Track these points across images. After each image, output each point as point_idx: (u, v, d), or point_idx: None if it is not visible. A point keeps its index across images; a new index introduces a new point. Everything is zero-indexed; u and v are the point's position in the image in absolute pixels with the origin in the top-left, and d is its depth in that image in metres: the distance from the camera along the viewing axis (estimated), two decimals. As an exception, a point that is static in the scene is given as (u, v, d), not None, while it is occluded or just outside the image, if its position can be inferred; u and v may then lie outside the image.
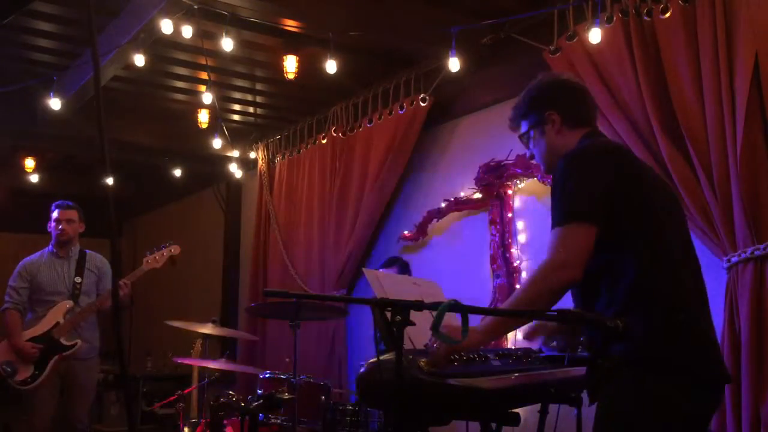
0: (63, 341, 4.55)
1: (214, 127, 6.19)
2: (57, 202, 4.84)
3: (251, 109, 6.65)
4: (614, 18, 3.78)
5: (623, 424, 1.98)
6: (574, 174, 2.08)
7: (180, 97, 6.27)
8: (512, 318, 2.12)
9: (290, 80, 5.22)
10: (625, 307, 1.97)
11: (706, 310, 2.12)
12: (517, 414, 2.27)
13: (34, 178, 7.97)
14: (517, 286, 4.52)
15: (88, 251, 4.88)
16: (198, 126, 6.46)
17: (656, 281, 2.01)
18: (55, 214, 4.78)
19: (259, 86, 6.10)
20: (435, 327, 1.78)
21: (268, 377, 4.28)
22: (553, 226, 2.06)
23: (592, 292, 2.06)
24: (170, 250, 4.83)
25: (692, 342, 2.00)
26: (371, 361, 2.20)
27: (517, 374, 2.30)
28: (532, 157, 2.39)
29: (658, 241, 2.05)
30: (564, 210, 2.04)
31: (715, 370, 2.05)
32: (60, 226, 4.75)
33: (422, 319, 1.95)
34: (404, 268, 4.64)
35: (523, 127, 2.36)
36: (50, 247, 4.83)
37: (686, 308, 2.04)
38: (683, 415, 1.97)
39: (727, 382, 2.08)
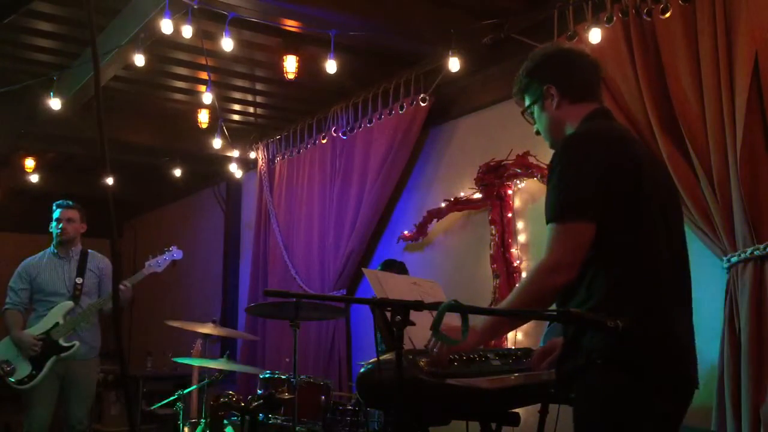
0: (61, 342, 4.55)
1: (214, 127, 6.20)
2: (58, 202, 4.83)
3: (251, 109, 6.65)
4: (614, 18, 3.78)
5: (597, 423, 1.96)
6: (570, 165, 2.00)
7: (180, 97, 6.27)
8: (511, 318, 2.10)
9: (290, 80, 5.22)
10: (601, 305, 1.92)
11: (686, 314, 2.07)
12: (517, 414, 2.28)
13: (34, 178, 7.97)
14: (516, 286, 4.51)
15: (90, 251, 4.86)
16: (198, 126, 6.46)
17: (636, 283, 1.96)
18: (56, 214, 4.77)
19: (259, 86, 6.10)
20: (435, 327, 1.78)
21: (268, 377, 4.28)
22: (548, 220, 2.01)
23: (571, 286, 1.99)
24: (173, 255, 4.83)
25: (665, 345, 1.97)
26: (371, 361, 2.20)
27: (517, 374, 2.30)
28: (538, 132, 2.31)
29: (646, 242, 1.99)
30: (560, 205, 1.98)
31: (683, 374, 2.01)
32: (60, 225, 4.73)
33: (422, 319, 1.95)
34: (401, 271, 4.63)
35: (527, 102, 2.30)
36: (51, 247, 4.82)
37: (663, 312, 1.98)
38: (654, 414, 1.94)
39: (695, 387, 2.05)
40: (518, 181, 4.66)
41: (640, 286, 1.97)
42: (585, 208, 1.95)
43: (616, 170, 1.98)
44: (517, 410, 2.30)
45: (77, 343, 4.59)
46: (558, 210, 1.98)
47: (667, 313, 1.99)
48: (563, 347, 2.06)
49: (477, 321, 2.11)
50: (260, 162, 6.94)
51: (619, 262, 1.96)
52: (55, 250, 4.79)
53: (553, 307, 2.05)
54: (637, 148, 2.12)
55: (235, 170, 6.78)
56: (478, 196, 4.83)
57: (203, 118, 6.39)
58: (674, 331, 2.00)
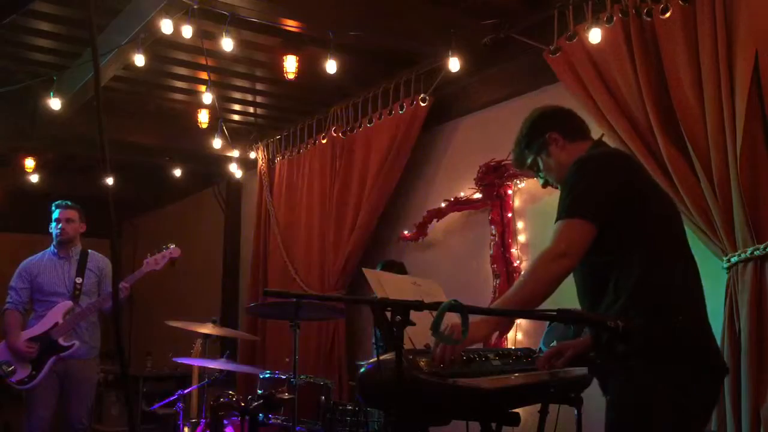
0: (61, 342, 4.55)
1: (214, 127, 6.20)
2: (57, 202, 4.83)
3: (251, 109, 6.65)
4: (614, 18, 3.78)
5: (635, 416, 2.07)
6: (585, 177, 2.20)
7: (180, 97, 6.27)
8: (517, 305, 2.17)
9: (290, 80, 5.22)
10: (630, 304, 2.08)
11: (704, 308, 2.23)
12: (517, 414, 2.27)
13: (34, 178, 7.96)
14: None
15: (90, 251, 4.87)
16: (198, 126, 6.46)
17: (657, 281, 2.13)
18: (55, 214, 4.77)
19: (259, 86, 6.10)
20: (435, 327, 1.79)
21: (268, 377, 4.28)
22: (557, 219, 2.19)
23: (599, 290, 2.18)
24: (171, 253, 4.83)
25: (695, 335, 2.13)
26: (371, 360, 2.20)
27: (517, 374, 2.31)
28: (545, 184, 2.49)
29: (659, 245, 2.17)
30: (570, 207, 2.17)
31: (717, 361, 2.18)
32: (60, 226, 4.74)
33: (422, 319, 1.95)
34: (400, 271, 4.63)
35: (530, 159, 2.48)
36: (51, 247, 4.83)
37: (686, 306, 2.15)
38: (691, 402, 2.07)
39: (726, 373, 2.21)
40: (518, 181, 4.67)
41: (661, 284, 2.14)
42: (590, 211, 2.14)
43: (627, 185, 2.20)
44: (517, 410, 2.30)
45: (77, 342, 4.59)
46: (566, 210, 2.17)
47: (690, 307, 2.16)
48: (594, 348, 2.20)
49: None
50: (260, 162, 6.94)
51: (638, 264, 2.13)
52: (55, 250, 4.79)
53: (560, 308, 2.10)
54: (641, 168, 2.40)
55: (235, 170, 6.78)
56: (478, 196, 4.83)
57: (203, 118, 6.39)
58: (702, 321, 2.18)
